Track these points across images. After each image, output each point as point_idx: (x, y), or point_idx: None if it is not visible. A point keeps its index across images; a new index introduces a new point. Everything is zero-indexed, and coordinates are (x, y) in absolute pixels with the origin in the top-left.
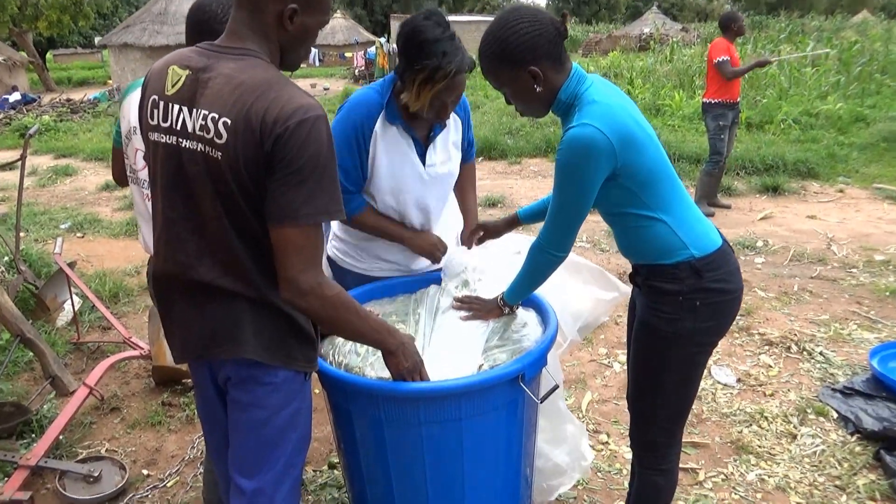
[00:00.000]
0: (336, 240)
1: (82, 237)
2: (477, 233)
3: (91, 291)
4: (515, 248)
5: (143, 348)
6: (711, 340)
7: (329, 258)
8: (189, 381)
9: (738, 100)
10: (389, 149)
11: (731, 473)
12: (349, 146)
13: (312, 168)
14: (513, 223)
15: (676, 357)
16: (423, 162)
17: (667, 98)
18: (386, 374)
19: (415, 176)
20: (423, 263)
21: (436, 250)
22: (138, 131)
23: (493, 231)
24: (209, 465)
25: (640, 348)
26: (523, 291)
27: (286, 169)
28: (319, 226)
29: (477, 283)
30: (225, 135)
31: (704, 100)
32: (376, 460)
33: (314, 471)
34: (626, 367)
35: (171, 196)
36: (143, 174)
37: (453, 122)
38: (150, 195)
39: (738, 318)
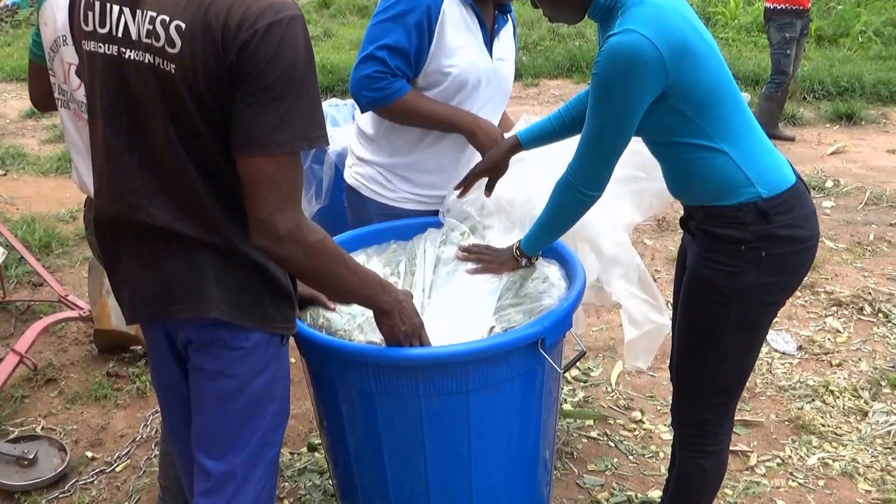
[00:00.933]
0: (359, 163)
1: (4, 175)
2: (474, 181)
3: (18, 241)
4: (545, 162)
5: (82, 308)
6: (778, 299)
7: (349, 187)
8: (140, 347)
9: (809, 6)
10: (458, 33)
11: (789, 457)
12: (410, 25)
13: (288, 82)
14: (513, 149)
15: (735, 318)
16: (490, 54)
17: (719, 4)
18: (378, 337)
19: (481, 70)
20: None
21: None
22: (69, 40)
23: (495, 168)
24: (165, 447)
25: (692, 307)
26: (544, 238)
27: (256, 84)
28: (298, 155)
29: (487, 229)
30: (178, 42)
31: (767, 5)
32: (366, 441)
33: (291, 453)
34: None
35: (113, 120)
36: (80, 94)
37: (511, 20)
38: (87, 121)
39: None
